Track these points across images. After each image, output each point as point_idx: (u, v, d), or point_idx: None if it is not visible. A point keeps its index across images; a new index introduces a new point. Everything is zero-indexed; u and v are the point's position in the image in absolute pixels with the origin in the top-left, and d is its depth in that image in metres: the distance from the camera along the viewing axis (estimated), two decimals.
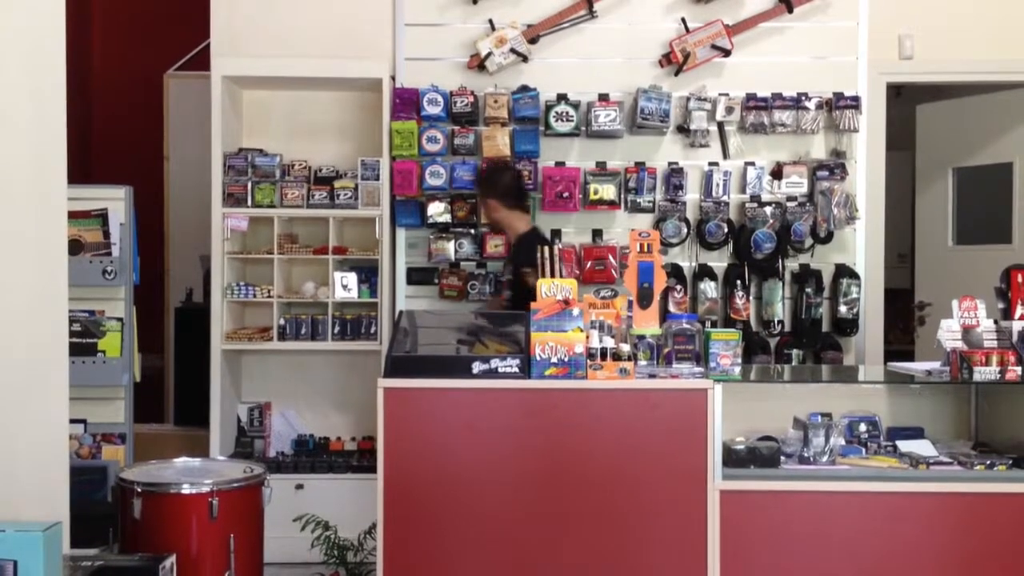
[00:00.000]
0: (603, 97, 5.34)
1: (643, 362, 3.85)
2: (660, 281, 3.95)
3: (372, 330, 5.41)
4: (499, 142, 5.29)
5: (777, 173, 5.42)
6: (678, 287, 5.28)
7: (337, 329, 5.42)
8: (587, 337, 3.74)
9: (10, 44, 2.91)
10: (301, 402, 5.78)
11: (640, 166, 5.39)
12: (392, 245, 5.49)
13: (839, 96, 5.39)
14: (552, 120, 5.32)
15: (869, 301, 5.50)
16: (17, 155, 2.95)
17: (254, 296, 5.45)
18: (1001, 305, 3.98)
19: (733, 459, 3.80)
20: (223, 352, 5.43)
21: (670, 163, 5.42)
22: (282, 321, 5.45)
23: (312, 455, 5.56)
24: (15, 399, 2.93)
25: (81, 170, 6.32)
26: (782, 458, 3.87)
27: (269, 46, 5.48)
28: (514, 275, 4.87)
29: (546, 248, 4.11)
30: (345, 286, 5.42)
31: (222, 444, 5.46)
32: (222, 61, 5.40)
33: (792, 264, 5.44)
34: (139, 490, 3.63)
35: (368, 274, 5.46)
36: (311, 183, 5.50)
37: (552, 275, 4.01)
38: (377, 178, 5.42)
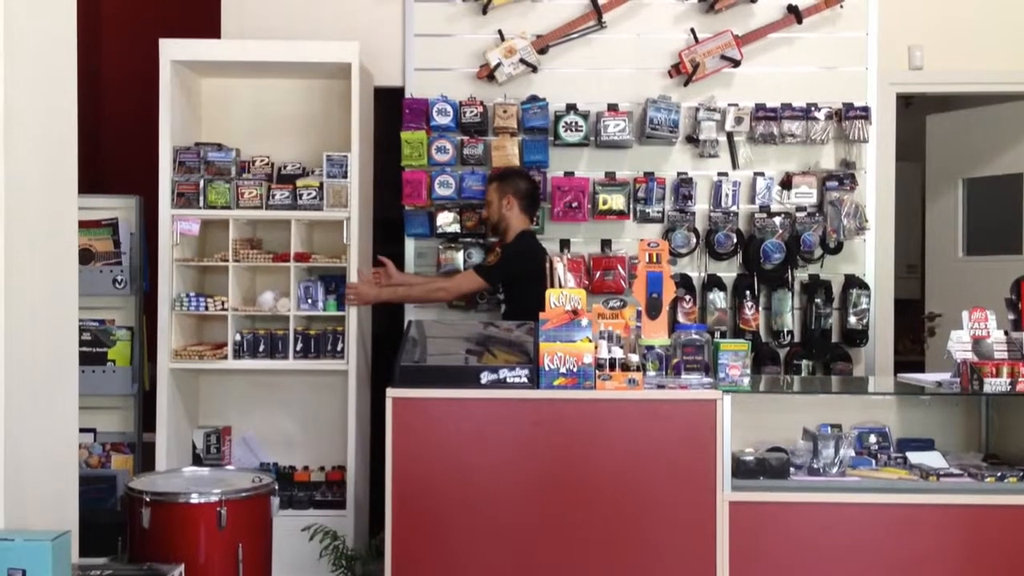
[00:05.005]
0: (612, 107, 5.34)
1: (652, 372, 3.85)
2: (669, 291, 3.95)
3: (339, 347, 4.91)
4: (508, 152, 5.29)
5: (786, 183, 5.41)
6: (687, 297, 5.26)
7: (300, 346, 4.92)
8: (596, 347, 3.75)
9: (21, 55, 2.92)
10: (263, 427, 5.26)
11: (649, 176, 5.39)
12: (362, 251, 5.06)
13: (849, 106, 5.38)
14: (561, 130, 5.32)
15: (879, 312, 5.48)
16: (28, 165, 2.96)
17: (206, 308, 4.93)
18: (1011, 316, 3.97)
19: (742, 470, 3.79)
20: (172, 372, 4.90)
21: (679, 173, 5.41)
22: (238, 337, 4.93)
23: (278, 487, 5.09)
24: (25, 408, 2.93)
25: (91, 180, 6.33)
26: (791, 469, 3.86)
27: None
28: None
29: (554, 258, 4.11)
30: (309, 298, 4.95)
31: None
32: (170, 45, 4.99)
33: (801, 274, 5.42)
34: (148, 499, 3.63)
35: (336, 284, 5.01)
36: (272, 182, 5.01)
37: (559, 285, 4.02)
38: (345, 176, 4.93)
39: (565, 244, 5.36)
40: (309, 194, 4.93)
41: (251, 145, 5.17)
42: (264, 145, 5.18)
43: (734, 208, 5.38)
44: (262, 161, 5.04)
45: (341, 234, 4.99)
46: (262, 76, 5.26)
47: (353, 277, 4.94)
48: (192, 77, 5.19)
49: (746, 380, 3.81)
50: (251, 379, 5.23)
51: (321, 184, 4.94)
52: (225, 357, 4.93)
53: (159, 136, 4.95)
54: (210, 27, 5.59)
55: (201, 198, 4.92)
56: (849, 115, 5.36)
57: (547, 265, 4.59)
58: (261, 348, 4.92)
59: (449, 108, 5.29)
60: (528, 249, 4.91)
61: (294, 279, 4.96)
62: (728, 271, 5.43)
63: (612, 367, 3.72)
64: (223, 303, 4.93)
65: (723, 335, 5.19)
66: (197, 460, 5.01)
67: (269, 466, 5.12)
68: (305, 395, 5.26)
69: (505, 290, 4.94)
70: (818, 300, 5.33)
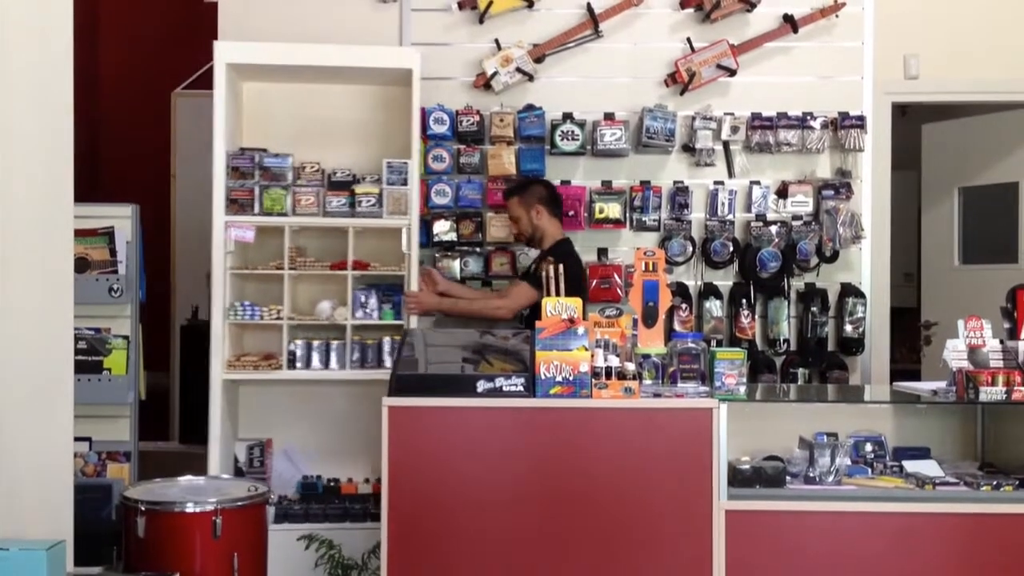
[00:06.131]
0: (609, 116, 5.35)
1: (648, 381, 3.84)
2: (665, 300, 3.95)
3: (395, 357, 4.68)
4: (505, 161, 5.30)
5: (782, 192, 5.42)
6: (683, 306, 5.27)
7: (356, 355, 4.83)
8: (592, 356, 3.74)
9: (18, 63, 2.93)
10: (305, 439, 5.14)
11: (645, 185, 5.39)
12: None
13: (844, 115, 5.39)
14: (558, 139, 5.33)
15: (875, 320, 5.49)
16: (24, 173, 2.96)
17: (261, 317, 4.84)
18: (1007, 325, 3.97)
19: (738, 479, 3.79)
20: (223, 383, 4.80)
21: (675, 182, 5.42)
22: (292, 346, 4.84)
23: (322, 500, 4.89)
24: (20, 417, 2.93)
25: (88, 188, 6.32)
26: (788, 478, 3.86)
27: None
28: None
29: (551, 267, 4.10)
30: (363, 306, 4.85)
31: None
32: (225, 47, 4.88)
33: (798, 283, 5.43)
34: (143, 508, 3.63)
35: (388, 292, 4.93)
36: (326, 188, 4.91)
37: (556, 294, 4.01)
38: (405, 183, 4.87)
39: None
40: (368, 201, 4.84)
41: (293, 151, 5.01)
42: (307, 150, 5.03)
43: (730, 217, 5.39)
44: (312, 167, 4.91)
45: (389, 241, 4.93)
46: (307, 81, 5.16)
47: (413, 285, 4.90)
48: (236, 81, 5.05)
49: (742, 389, 3.80)
50: (291, 390, 5.12)
51: (380, 191, 4.86)
52: (279, 367, 4.82)
53: (213, 140, 4.82)
54: (207, 34, 5.59)
55: (256, 204, 4.82)
56: (845, 124, 5.38)
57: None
58: (316, 358, 4.83)
59: (446, 117, 5.30)
60: (573, 253, 4.93)
61: (351, 288, 4.88)
62: (724, 280, 5.43)
63: (608, 376, 3.71)
64: (278, 312, 4.83)
65: (719, 343, 5.19)
66: (239, 473, 4.95)
67: (313, 479, 5.04)
68: (346, 406, 5.11)
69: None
70: (814, 309, 5.34)
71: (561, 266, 4.16)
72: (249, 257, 5.01)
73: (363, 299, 4.89)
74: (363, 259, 4.95)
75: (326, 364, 4.85)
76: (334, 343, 4.86)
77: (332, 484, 5.04)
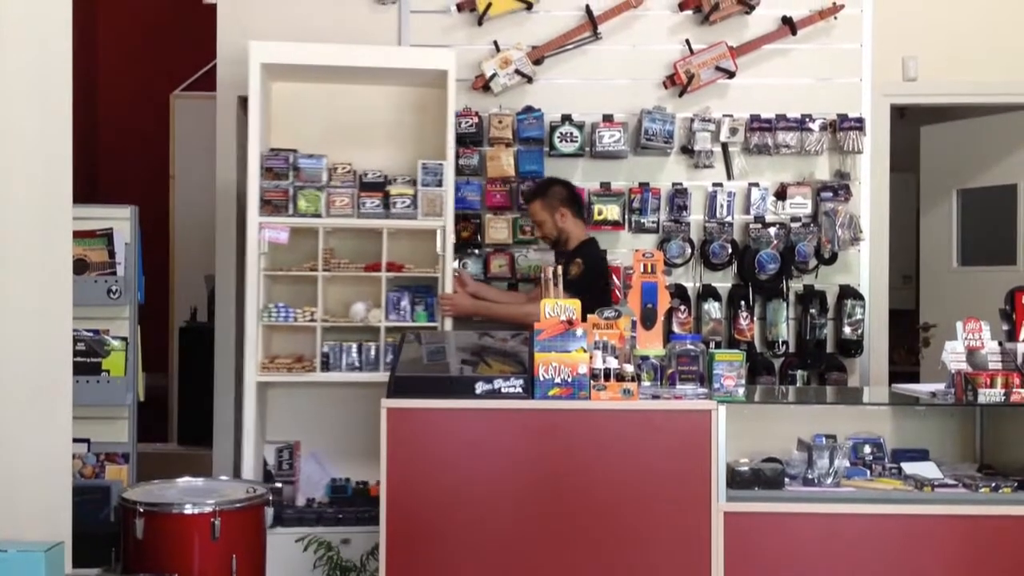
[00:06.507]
0: (607, 118, 5.35)
1: (647, 383, 3.84)
2: (664, 302, 3.95)
3: None
4: (503, 163, 5.30)
5: (781, 194, 5.42)
6: (682, 307, 5.27)
7: (389, 357, 4.70)
8: (591, 357, 3.74)
9: (16, 65, 2.93)
10: (333, 441, 5.04)
11: (644, 186, 5.40)
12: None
13: (843, 117, 5.40)
14: (556, 140, 5.33)
15: (873, 322, 5.49)
16: (23, 175, 2.96)
17: (295, 319, 4.77)
18: (1006, 327, 3.97)
19: (737, 481, 3.79)
20: (256, 385, 4.73)
21: (674, 184, 5.42)
22: (325, 348, 4.77)
23: (352, 503, 4.83)
24: (19, 418, 2.93)
25: (87, 190, 6.34)
26: (786, 480, 3.86)
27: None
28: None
29: (550, 269, 4.11)
30: (397, 308, 4.78)
31: None
32: (260, 47, 4.79)
33: (796, 285, 5.43)
34: (141, 510, 3.63)
35: (419, 294, 4.89)
36: (358, 189, 4.84)
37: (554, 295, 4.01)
38: (439, 184, 4.82)
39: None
40: (403, 202, 4.80)
41: (321, 151, 4.92)
42: (336, 151, 4.95)
43: (729, 219, 5.39)
44: (344, 168, 4.85)
45: (421, 243, 4.89)
46: (337, 81, 5.07)
47: (448, 287, 4.84)
48: (266, 81, 4.94)
49: (741, 390, 3.80)
50: (318, 392, 5.03)
51: (415, 193, 4.82)
52: (313, 369, 4.76)
53: (248, 141, 4.76)
54: (206, 37, 5.60)
55: (291, 205, 4.78)
56: (843, 126, 5.38)
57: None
58: (348, 360, 4.77)
59: None
60: (600, 254, 4.94)
61: (384, 289, 4.82)
62: (723, 281, 5.43)
63: (607, 377, 3.71)
64: (312, 314, 4.77)
65: (718, 345, 5.19)
66: (268, 477, 4.88)
67: (341, 482, 4.97)
68: (374, 407, 4.99)
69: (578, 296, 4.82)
70: (813, 310, 5.34)
71: (560, 268, 4.16)
72: (277, 259, 4.91)
73: (396, 300, 4.84)
74: (393, 261, 4.90)
75: (359, 366, 4.79)
76: (367, 345, 4.80)
77: (361, 487, 4.97)
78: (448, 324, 4.86)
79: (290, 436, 5.05)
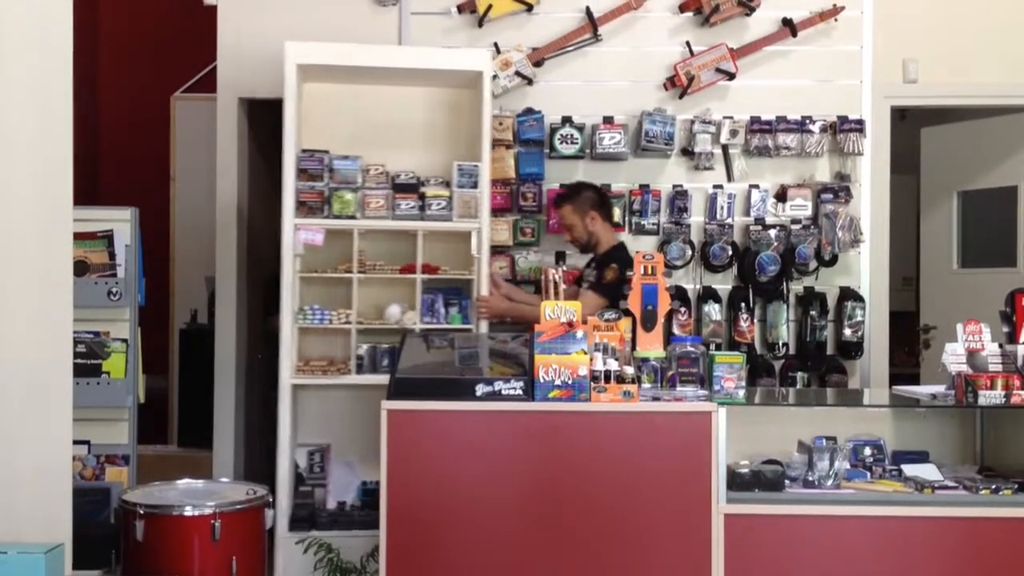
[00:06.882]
0: (608, 120, 5.35)
1: (647, 385, 3.84)
2: (664, 303, 3.96)
3: None
4: (504, 164, 5.30)
5: (781, 196, 5.42)
6: (682, 309, 5.26)
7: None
8: (591, 359, 3.74)
9: (16, 66, 2.93)
10: (363, 444, 4.82)
11: (644, 188, 5.40)
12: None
13: (843, 119, 5.40)
14: (557, 142, 5.34)
15: (874, 324, 5.49)
16: (23, 177, 2.96)
17: (330, 321, 4.72)
18: (1006, 329, 3.97)
19: (737, 482, 3.79)
20: (291, 388, 4.69)
21: (674, 186, 5.42)
22: (360, 351, 4.74)
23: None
24: (19, 420, 2.93)
25: (87, 192, 6.34)
26: (787, 482, 3.86)
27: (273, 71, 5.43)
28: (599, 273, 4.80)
29: (550, 271, 4.11)
30: (431, 310, 4.73)
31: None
32: (296, 48, 4.72)
33: (796, 287, 5.43)
34: (141, 512, 3.63)
35: (452, 296, 4.84)
36: (392, 190, 4.79)
37: (555, 297, 4.02)
38: (475, 186, 4.76)
39: (561, 256, 5.37)
40: (439, 204, 4.75)
41: (352, 152, 4.86)
42: (366, 152, 4.88)
43: (729, 220, 5.39)
44: (377, 170, 4.80)
45: (454, 244, 4.85)
46: (369, 82, 5.02)
47: (483, 290, 4.81)
48: (299, 82, 4.85)
49: (741, 392, 3.80)
50: (349, 394, 4.93)
51: (451, 194, 4.78)
52: (348, 372, 4.72)
53: (283, 143, 4.71)
54: (207, 39, 5.60)
55: (326, 207, 4.73)
56: (844, 128, 5.38)
57: None
58: (384, 362, 4.70)
59: None
60: (629, 259, 4.84)
61: (419, 291, 4.78)
62: (723, 283, 5.43)
63: (607, 379, 3.71)
64: (347, 316, 4.72)
65: (718, 347, 5.19)
66: (299, 480, 4.84)
67: (372, 485, 4.76)
68: None
69: (613, 301, 4.74)
70: (813, 312, 5.34)
71: (560, 271, 4.16)
72: (308, 261, 4.85)
73: (430, 303, 4.80)
74: (427, 263, 4.85)
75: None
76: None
77: None
78: (484, 326, 4.82)
79: (318, 439, 4.97)
